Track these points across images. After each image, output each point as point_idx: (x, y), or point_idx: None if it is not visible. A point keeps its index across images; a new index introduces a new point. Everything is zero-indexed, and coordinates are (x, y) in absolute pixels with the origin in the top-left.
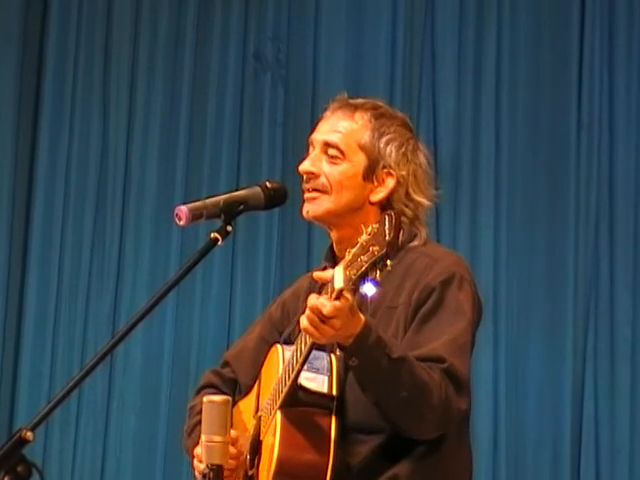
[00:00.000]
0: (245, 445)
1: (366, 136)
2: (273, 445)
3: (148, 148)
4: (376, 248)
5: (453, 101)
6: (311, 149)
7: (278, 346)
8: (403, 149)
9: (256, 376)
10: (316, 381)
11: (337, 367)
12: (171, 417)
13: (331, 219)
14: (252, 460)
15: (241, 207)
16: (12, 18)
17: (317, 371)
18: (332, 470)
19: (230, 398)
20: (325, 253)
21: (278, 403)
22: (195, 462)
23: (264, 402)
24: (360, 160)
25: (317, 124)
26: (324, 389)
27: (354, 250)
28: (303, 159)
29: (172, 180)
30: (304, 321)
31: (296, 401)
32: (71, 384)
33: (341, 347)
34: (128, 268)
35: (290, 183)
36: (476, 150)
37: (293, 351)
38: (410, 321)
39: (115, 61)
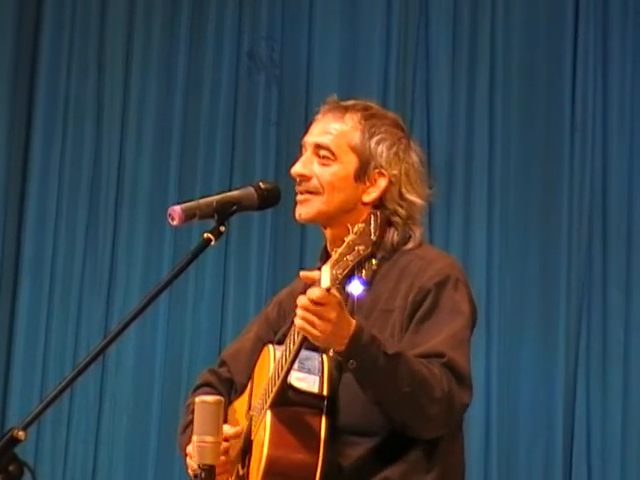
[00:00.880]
0: (237, 444)
1: (357, 137)
2: (263, 444)
3: (141, 148)
4: (362, 247)
5: (447, 101)
6: (303, 152)
7: (270, 346)
8: (394, 148)
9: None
10: (307, 381)
11: (329, 367)
12: (163, 417)
13: (324, 220)
14: (243, 460)
15: (234, 207)
16: (5, 17)
17: (308, 371)
18: (322, 470)
19: (222, 399)
20: (319, 253)
21: (268, 402)
22: (188, 460)
23: (255, 402)
24: (351, 161)
25: (309, 127)
26: (315, 389)
27: (340, 249)
28: (295, 161)
29: (165, 180)
30: (298, 320)
31: (286, 401)
32: (63, 384)
33: (338, 353)
34: (121, 268)
35: (283, 182)
36: (469, 150)
37: (283, 351)
38: (407, 324)
39: (109, 60)
